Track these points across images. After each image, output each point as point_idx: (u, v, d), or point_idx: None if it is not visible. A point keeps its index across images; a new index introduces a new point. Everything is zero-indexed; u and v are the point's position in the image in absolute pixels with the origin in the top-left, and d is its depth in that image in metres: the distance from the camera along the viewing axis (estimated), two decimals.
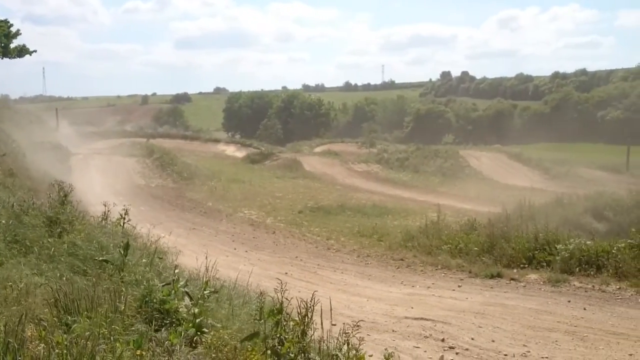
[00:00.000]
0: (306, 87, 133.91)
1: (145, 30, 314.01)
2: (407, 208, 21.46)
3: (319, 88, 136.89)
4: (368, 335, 7.05)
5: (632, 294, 9.29)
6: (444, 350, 6.84)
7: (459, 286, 10.37)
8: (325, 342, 4.08)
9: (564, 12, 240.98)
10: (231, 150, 47.62)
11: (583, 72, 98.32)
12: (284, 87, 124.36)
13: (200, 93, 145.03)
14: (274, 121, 75.55)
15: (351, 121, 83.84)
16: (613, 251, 10.64)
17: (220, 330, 4.49)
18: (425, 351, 6.79)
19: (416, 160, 41.09)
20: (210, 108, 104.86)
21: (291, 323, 4.05)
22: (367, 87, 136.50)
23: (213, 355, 4.11)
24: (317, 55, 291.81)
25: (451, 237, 13.13)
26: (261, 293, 4.36)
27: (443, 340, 7.17)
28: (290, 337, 3.83)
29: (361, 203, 22.25)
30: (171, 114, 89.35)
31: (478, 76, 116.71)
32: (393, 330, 7.61)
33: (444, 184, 31.66)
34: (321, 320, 4.22)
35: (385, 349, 5.62)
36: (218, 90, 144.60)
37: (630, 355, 6.67)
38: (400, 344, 6.98)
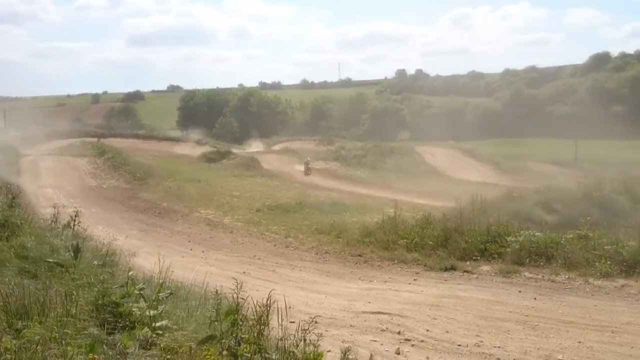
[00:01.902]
0: (263, 85, 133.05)
1: (97, 27, 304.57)
2: (364, 204, 21.64)
3: (276, 85, 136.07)
4: (326, 330, 7.11)
5: (580, 283, 9.64)
6: (400, 342, 6.96)
7: (414, 280, 10.57)
8: (283, 340, 4.10)
9: (514, 10, 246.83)
10: (186, 149, 46.99)
11: (533, 68, 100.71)
12: (241, 85, 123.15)
13: (154, 91, 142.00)
14: (230, 119, 74.94)
15: (309, 119, 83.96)
16: (562, 242, 11.05)
17: (176, 332, 4.45)
18: (382, 344, 6.89)
19: (373, 157, 41.58)
20: (165, 106, 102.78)
21: (249, 322, 4.04)
22: (324, 85, 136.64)
23: (168, 357, 4.06)
24: (273, 53, 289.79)
25: (407, 232, 13.34)
26: (217, 293, 4.33)
27: (399, 332, 7.30)
28: (247, 336, 3.82)
29: (319, 200, 22.30)
30: (123, 112, 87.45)
31: (432, 74, 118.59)
32: (351, 325, 7.69)
33: (400, 180, 32.02)
34: (279, 318, 4.23)
35: (343, 342, 5.70)
36: (172, 88, 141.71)
37: (579, 342, 6.92)
38: (358, 339, 7.06)
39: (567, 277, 9.96)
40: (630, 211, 15.99)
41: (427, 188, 28.79)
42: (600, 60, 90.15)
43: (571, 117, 70.40)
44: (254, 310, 3.99)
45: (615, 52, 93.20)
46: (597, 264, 10.11)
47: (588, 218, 12.21)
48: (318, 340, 3.79)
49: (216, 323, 4.00)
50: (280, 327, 4.30)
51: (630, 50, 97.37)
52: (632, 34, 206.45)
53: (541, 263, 10.68)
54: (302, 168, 37.63)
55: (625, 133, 59.42)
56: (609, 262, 10.05)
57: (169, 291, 5.34)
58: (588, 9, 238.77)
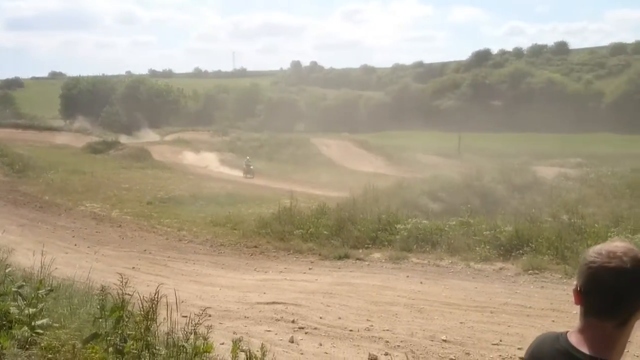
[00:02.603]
0: (153, 73, 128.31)
1: None
2: (261, 196, 21.59)
3: (167, 74, 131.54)
4: (220, 323, 7.05)
5: (462, 267, 10.26)
6: (294, 331, 7.06)
7: (309, 269, 10.74)
8: (172, 334, 4.00)
9: (402, 7, 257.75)
10: (70, 139, 44.28)
11: (420, 64, 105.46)
12: (129, 72, 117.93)
13: (34, 78, 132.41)
14: (118, 108, 71.57)
15: (202, 109, 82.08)
16: (446, 229, 11.71)
17: (58, 331, 4.21)
18: (276, 334, 6.95)
19: (270, 148, 41.69)
20: (46, 94, 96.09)
21: (135, 319, 3.90)
22: (218, 74, 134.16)
23: (50, 356, 3.84)
24: (164, 40, 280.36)
25: (303, 223, 13.54)
26: (102, 289, 4.13)
27: (293, 321, 7.39)
28: (134, 333, 3.69)
29: (215, 192, 21.94)
30: (0, 100, 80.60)
31: (326, 66, 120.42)
32: (245, 317, 7.67)
33: (296, 171, 32.35)
34: (167, 313, 4.12)
35: (234, 333, 5.65)
36: (54, 75, 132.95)
37: (461, 323, 7.35)
38: (252, 329, 7.06)
39: (450, 261, 10.56)
40: (507, 199, 17.28)
41: (323, 179, 29.33)
42: (481, 57, 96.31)
43: (455, 111, 74.51)
44: (141, 306, 3.86)
45: (495, 49, 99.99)
46: (477, 248, 10.80)
47: (469, 206, 13.09)
48: (208, 332, 3.74)
49: (101, 320, 3.83)
50: (169, 321, 4.20)
51: (509, 47, 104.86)
52: (511, 32, 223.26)
53: (427, 249, 11.25)
54: (192, 157, 36.64)
55: (503, 126, 64.00)
56: (488, 247, 10.77)
57: (49, 288, 5.04)
58: (471, 7, 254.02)
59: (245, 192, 22.73)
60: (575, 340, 1.61)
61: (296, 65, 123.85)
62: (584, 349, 1.58)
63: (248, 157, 33.73)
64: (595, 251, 1.59)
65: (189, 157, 37.46)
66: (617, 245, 1.59)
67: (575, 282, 1.65)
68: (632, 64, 77.81)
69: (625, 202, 14.78)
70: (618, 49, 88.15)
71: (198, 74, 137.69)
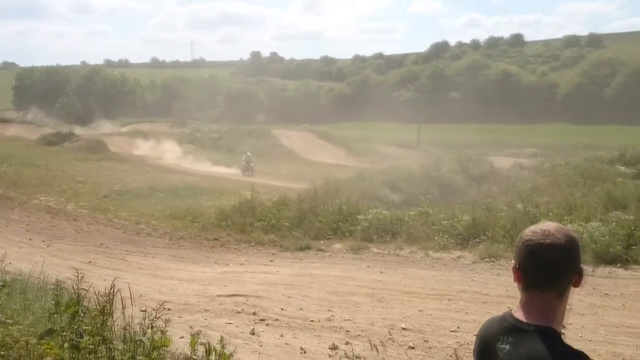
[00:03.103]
0: (109, 63, 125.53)
1: None
2: (221, 188, 21.39)
3: (123, 63, 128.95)
4: (180, 317, 6.98)
5: (421, 256, 10.41)
6: (255, 323, 7.04)
7: (271, 260, 10.72)
8: (129, 328, 3.94)
9: None
10: (23, 131, 42.92)
11: (380, 55, 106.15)
12: (84, 62, 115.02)
13: None
14: (73, 99, 69.71)
15: (160, 100, 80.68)
16: (405, 219, 11.86)
17: (11, 327, 4.08)
18: (237, 326, 6.92)
19: (230, 139, 41.33)
20: None
21: (91, 313, 3.82)
22: (176, 64, 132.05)
23: (3, 353, 3.72)
24: (120, 29, 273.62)
25: (264, 214, 13.49)
26: (57, 284, 4.02)
27: (254, 313, 7.37)
28: (90, 328, 3.61)
29: (174, 184, 21.62)
30: None
31: (286, 57, 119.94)
32: (206, 310, 7.61)
33: (257, 163, 32.15)
34: (124, 307, 4.05)
35: (191, 327, 5.60)
36: (6, 65, 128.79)
37: (420, 311, 7.47)
38: (212, 322, 7.01)
39: (410, 250, 10.71)
40: (464, 189, 17.63)
41: (284, 170, 29.28)
42: (440, 49, 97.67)
43: (414, 103, 75.40)
44: (97, 300, 3.78)
45: (453, 41, 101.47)
46: (436, 237, 10.97)
47: (428, 196, 13.30)
48: (166, 326, 3.69)
49: (56, 316, 3.73)
50: (125, 316, 4.13)
51: (466, 39, 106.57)
52: (469, 24, 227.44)
53: (387, 239, 11.37)
54: (149, 148, 35.91)
55: (460, 117, 65.20)
56: (446, 236, 10.95)
57: (1, 284, 4.89)
58: None
59: (205, 184, 22.48)
60: (520, 314, 1.77)
61: (256, 55, 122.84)
62: (530, 320, 1.73)
63: (249, 153, 29.61)
64: (531, 231, 1.76)
65: (146, 149, 36.79)
66: (549, 224, 1.75)
67: (513, 261, 1.81)
68: (585, 56, 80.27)
69: (578, 191, 15.21)
70: (571, 42, 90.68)
71: (155, 64, 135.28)
